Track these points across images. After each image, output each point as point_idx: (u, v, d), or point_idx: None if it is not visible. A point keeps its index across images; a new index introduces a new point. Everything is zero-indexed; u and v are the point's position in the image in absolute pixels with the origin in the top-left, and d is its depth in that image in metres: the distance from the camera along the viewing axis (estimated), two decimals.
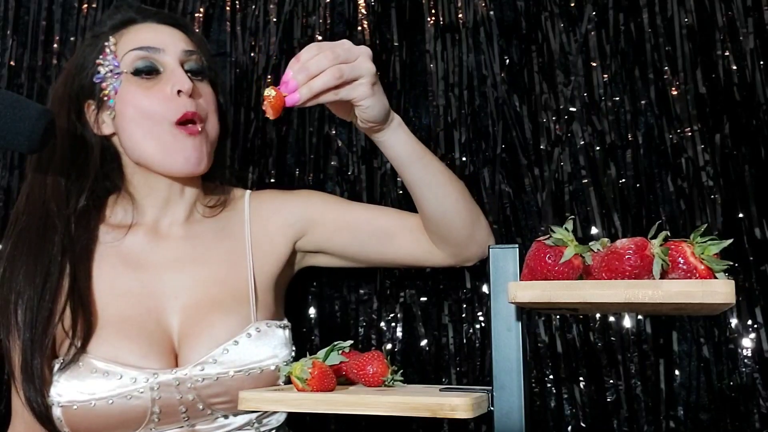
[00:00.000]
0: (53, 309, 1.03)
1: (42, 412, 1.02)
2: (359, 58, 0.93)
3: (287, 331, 1.10)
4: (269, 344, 1.06)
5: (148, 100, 1.07)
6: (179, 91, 1.07)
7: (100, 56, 1.10)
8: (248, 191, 1.21)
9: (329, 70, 0.91)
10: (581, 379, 1.31)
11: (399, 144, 1.03)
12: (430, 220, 1.09)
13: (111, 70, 1.08)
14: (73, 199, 1.10)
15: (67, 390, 1.01)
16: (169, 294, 1.09)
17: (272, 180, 1.47)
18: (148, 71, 1.08)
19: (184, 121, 1.07)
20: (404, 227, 1.14)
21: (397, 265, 1.22)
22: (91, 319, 1.04)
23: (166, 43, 1.10)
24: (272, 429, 1.11)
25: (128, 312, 1.06)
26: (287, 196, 1.20)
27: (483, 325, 1.35)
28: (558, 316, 1.32)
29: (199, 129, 1.08)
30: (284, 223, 1.16)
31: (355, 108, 0.97)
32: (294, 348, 1.10)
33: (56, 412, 1.01)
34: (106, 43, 1.10)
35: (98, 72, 1.09)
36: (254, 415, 1.07)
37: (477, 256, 1.13)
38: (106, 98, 1.09)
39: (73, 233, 1.08)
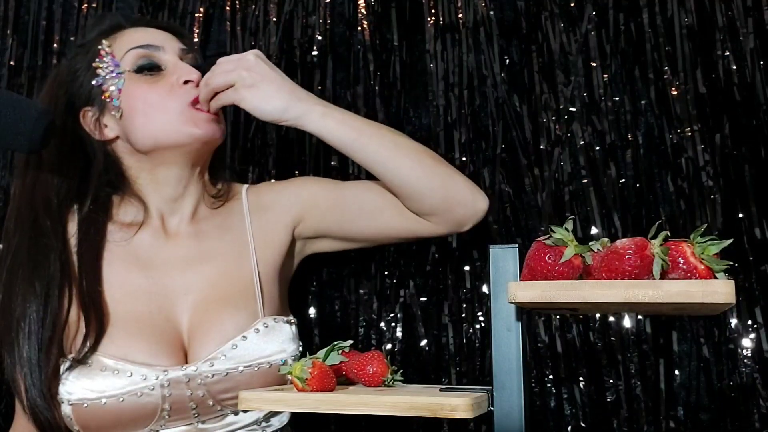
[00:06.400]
0: (55, 330, 1.02)
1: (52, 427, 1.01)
2: (233, 71, 1.06)
3: (294, 327, 1.10)
4: (277, 339, 1.06)
5: (156, 94, 1.08)
6: (186, 81, 1.08)
7: (96, 59, 1.10)
8: (245, 186, 1.22)
9: (202, 89, 1.08)
10: (581, 379, 1.31)
11: (324, 134, 1.07)
12: (396, 194, 1.10)
13: (111, 71, 1.08)
14: (69, 211, 1.10)
15: (77, 388, 1.00)
16: (179, 291, 1.09)
17: (272, 180, 1.47)
18: (151, 68, 1.09)
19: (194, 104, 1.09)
20: (390, 200, 1.13)
21: (396, 240, 1.20)
22: (104, 319, 1.04)
23: (163, 41, 1.12)
24: (277, 429, 1.11)
25: (139, 310, 1.06)
26: (283, 185, 1.22)
27: (483, 325, 1.35)
28: (558, 316, 1.32)
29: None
30: (282, 211, 1.17)
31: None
32: (301, 343, 1.10)
33: (66, 410, 1.00)
34: (100, 47, 1.10)
35: (97, 75, 1.09)
36: (262, 413, 1.07)
37: (467, 217, 1.10)
38: (109, 100, 1.09)
39: (80, 236, 1.08)
